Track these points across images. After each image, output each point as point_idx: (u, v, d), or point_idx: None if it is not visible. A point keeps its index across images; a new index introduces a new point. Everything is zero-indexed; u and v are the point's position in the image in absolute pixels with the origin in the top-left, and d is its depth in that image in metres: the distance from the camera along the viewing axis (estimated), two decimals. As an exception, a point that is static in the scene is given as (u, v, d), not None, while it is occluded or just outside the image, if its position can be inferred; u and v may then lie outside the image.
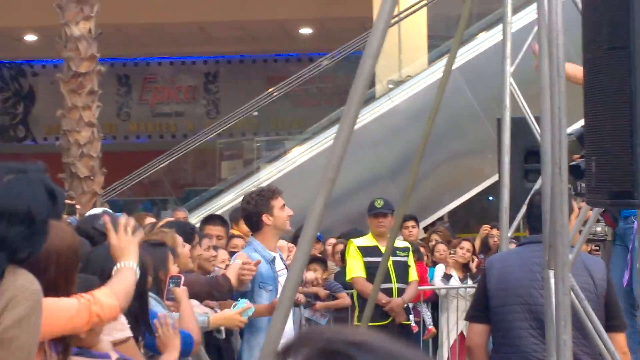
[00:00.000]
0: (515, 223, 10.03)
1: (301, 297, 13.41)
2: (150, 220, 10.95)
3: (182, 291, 7.66)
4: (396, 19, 19.05)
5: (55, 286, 4.94)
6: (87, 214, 8.72)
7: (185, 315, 7.69)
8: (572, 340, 5.80)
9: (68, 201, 8.72)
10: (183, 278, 7.77)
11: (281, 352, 1.09)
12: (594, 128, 5.38)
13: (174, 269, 7.77)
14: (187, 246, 8.53)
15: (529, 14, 11.47)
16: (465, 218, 18.03)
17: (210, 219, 11.95)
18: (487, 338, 6.97)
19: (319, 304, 13.89)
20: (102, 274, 5.96)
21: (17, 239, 4.54)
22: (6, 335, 4.47)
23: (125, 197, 18.66)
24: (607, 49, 5.18)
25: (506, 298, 6.62)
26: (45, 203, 4.65)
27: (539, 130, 6.79)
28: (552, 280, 5.69)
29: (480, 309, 6.96)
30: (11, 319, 4.47)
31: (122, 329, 6.08)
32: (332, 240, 15.21)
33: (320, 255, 14.47)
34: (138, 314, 6.36)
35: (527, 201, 8.18)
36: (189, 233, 8.97)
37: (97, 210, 8.64)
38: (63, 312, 4.92)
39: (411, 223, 14.60)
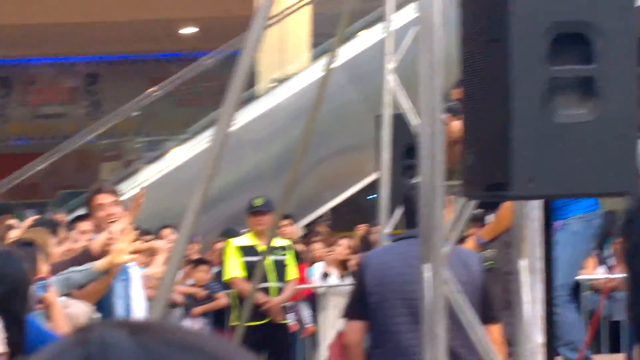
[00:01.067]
0: (393, 220, 10.05)
1: (178, 297, 13.39)
2: (11, 222, 10.88)
3: (50, 296, 7.57)
4: (278, 17, 19.08)
5: None
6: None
7: (57, 320, 7.61)
8: (449, 333, 5.83)
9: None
10: (50, 280, 7.70)
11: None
12: (472, 121, 5.41)
13: (44, 269, 7.68)
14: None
15: (411, 12, 11.47)
16: (347, 216, 18.02)
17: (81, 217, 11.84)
18: (363, 335, 6.98)
19: (195, 309, 13.90)
20: None
21: None
22: None
23: (5, 200, 18.48)
24: (485, 42, 5.21)
25: (385, 294, 6.64)
26: None
27: (416, 128, 6.82)
28: (427, 274, 5.71)
29: (358, 306, 6.99)
30: None
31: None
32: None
33: (201, 257, 14.48)
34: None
35: (404, 197, 8.24)
36: (53, 229, 8.93)
37: None
38: None
39: (285, 222, 14.55)
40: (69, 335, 1.00)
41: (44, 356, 0.98)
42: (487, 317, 6.83)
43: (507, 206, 7.19)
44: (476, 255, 7.37)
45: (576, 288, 14.05)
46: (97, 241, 8.76)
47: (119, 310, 9.49)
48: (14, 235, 10.12)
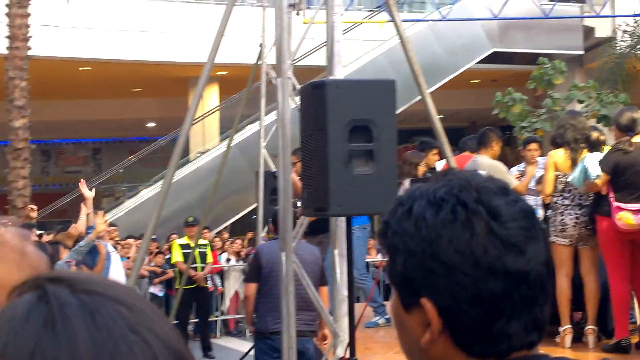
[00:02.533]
0: (265, 228, 9.99)
1: (145, 272, 13.20)
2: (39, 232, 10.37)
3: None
4: (201, 116, 19.04)
5: None
6: None
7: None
8: (296, 290, 5.80)
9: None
10: (68, 255, 7.48)
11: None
12: (306, 172, 5.39)
13: (65, 254, 7.46)
14: None
15: (274, 115, 11.49)
16: (241, 227, 17.93)
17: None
18: (255, 290, 6.91)
19: (156, 280, 13.73)
20: None
21: None
22: None
23: (45, 220, 18.09)
24: (313, 130, 5.21)
25: (272, 268, 6.54)
26: None
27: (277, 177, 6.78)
28: (283, 257, 5.68)
29: (254, 274, 6.90)
30: None
31: None
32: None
33: (159, 250, 14.29)
34: None
35: (272, 216, 8.20)
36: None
37: None
38: None
39: (205, 230, 14.44)
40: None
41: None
42: (322, 282, 6.86)
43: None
44: (313, 247, 7.33)
45: (367, 266, 14.14)
46: (80, 224, 8.44)
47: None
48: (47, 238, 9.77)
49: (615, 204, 7.42)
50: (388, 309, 9.38)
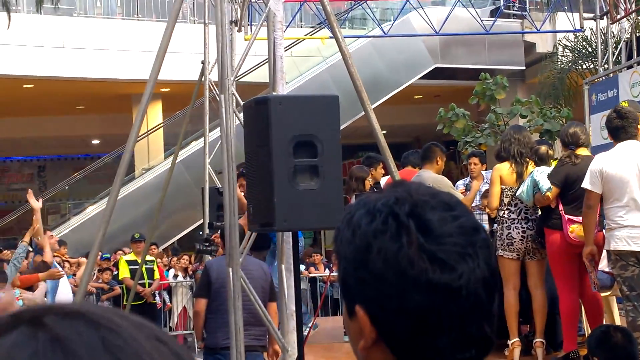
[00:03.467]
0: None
1: (92, 289, 13.04)
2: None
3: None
4: (145, 133, 18.90)
5: None
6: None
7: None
8: (244, 305, 5.76)
9: None
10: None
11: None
12: (251, 187, 5.37)
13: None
14: None
15: (219, 131, 11.45)
16: (188, 242, 17.81)
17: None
18: (205, 306, 6.84)
19: (103, 296, 13.56)
20: None
21: None
22: None
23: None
24: (257, 145, 5.19)
25: (222, 283, 6.48)
26: None
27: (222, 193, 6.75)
28: (230, 273, 5.64)
29: (204, 290, 6.82)
30: None
31: None
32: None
33: (107, 266, 14.12)
34: None
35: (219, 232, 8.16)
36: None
37: None
38: None
39: (153, 247, 14.33)
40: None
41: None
42: (271, 297, 6.82)
43: None
44: (262, 262, 7.31)
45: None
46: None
47: (50, 295, 9.17)
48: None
49: (567, 216, 7.51)
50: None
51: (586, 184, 6.80)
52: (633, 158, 6.70)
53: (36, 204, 8.21)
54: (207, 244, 9.16)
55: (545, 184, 7.54)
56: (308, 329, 9.62)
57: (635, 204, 6.65)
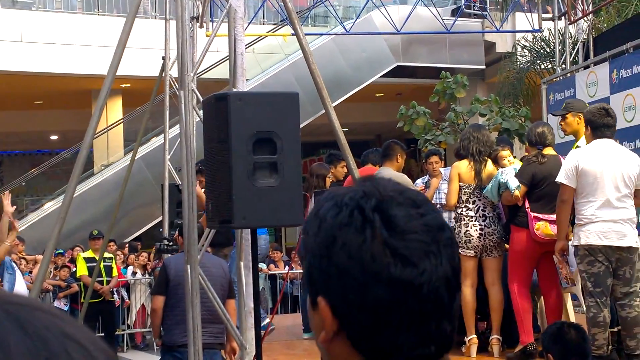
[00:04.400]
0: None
1: (49, 287, 12.91)
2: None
3: None
4: (104, 129, 18.78)
5: None
6: None
7: None
8: (202, 303, 5.75)
9: None
10: None
11: None
12: (210, 185, 5.35)
13: None
14: None
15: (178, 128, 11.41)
16: (147, 240, 17.72)
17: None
18: (163, 304, 6.78)
19: (60, 294, 13.43)
20: None
21: None
22: None
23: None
24: (217, 141, 5.17)
25: (179, 280, 6.44)
26: None
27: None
28: (188, 270, 5.63)
29: (162, 287, 6.77)
30: None
31: None
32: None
33: (64, 264, 13.99)
34: None
35: (178, 229, 8.12)
36: None
37: None
38: None
39: (111, 243, 14.23)
40: None
41: None
42: (229, 295, 6.80)
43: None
44: (221, 260, 7.29)
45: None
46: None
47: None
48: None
49: (533, 214, 7.61)
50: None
51: (561, 178, 6.92)
52: (610, 155, 6.85)
53: (9, 208, 8.15)
54: (169, 244, 9.12)
55: (513, 183, 7.65)
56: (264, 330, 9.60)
57: (607, 201, 6.76)
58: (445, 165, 10.07)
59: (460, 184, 8.11)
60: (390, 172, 8.21)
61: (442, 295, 1.25)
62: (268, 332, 9.20)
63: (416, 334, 1.24)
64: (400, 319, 1.23)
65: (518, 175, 7.73)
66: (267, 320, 9.53)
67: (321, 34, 20.16)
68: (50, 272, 13.12)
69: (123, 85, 19.45)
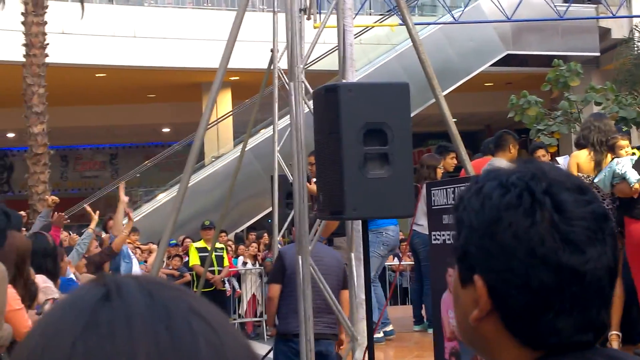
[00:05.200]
0: (282, 231, 9.97)
1: (163, 276, 13.19)
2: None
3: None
4: (215, 121, 19.05)
5: (16, 268, 4.77)
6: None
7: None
8: (313, 294, 5.76)
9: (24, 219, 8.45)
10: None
11: None
12: (321, 176, 5.35)
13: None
14: None
15: (287, 119, 11.48)
16: (256, 230, 17.93)
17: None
18: (279, 292, 6.75)
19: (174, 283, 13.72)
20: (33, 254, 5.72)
21: None
22: None
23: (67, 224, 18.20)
24: (327, 133, 5.17)
25: (295, 269, 6.44)
26: (3, 220, 4.49)
27: (292, 182, 6.75)
28: (299, 260, 5.65)
29: (278, 276, 6.72)
30: None
31: (55, 291, 5.80)
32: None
33: (177, 253, 14.28)
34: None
35: (288, 220, 8.18)
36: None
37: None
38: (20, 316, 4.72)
39: (223, 234, 14.46)
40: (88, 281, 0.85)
41: (72, 294, 0.83)
42: (343, 285, 6.74)
43: (330, 223, 7.02)
44: (334, 250, 7.22)
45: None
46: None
47: None
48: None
49: None
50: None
51: None
52: None
53: (124, 197, 8.55)
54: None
55: (633, 175, 7.37)
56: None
57: None
58: (559, 155, 9.82)
59: (579, 174, 7.88)
60: (503, 162, 8.05)
61: (604, 284, 1.26)
62: (378, 326, 9.18)
63: (577, 320, 1.24)
64: (561, 304, 1.23)
65: (637, 167, 7.45)
66: (390, 327, 9.46)
67: (429, 24, 19.99)
68: (164, 261, 13.41)
69: (232, 78, 19.72)
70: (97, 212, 9.46)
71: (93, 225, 8.67)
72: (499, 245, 1.24)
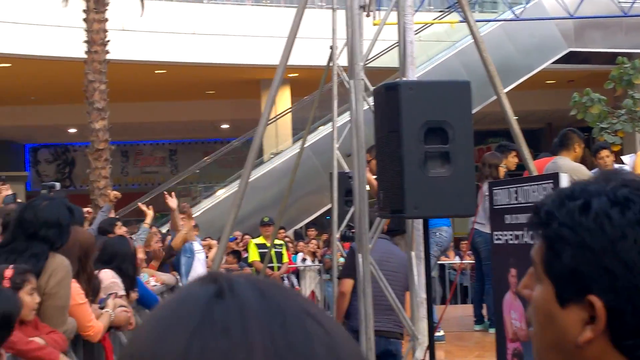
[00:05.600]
0: (340, 229, 9.94)
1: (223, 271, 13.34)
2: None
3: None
4: (274, 118, 19.11)
5: (80, 263, 4.86)
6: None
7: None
8: (374, 288, 5.75)
9: (87, 215, 8.55)
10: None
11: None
12: (382, 174, 5.34)
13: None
14: None
15: (347, 116, 11.45)
16: (316, 226, 17.97)
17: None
18: (352, 287, 6.54)
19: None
20: (115, 256, 5.84)
21: (53, 236, 4.46)
22: (52, 291, 4.42)
23: (125, 218, 18.41)
24: (388, 131, 5.16)
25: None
26: (67, 215, 4.58)
27: (351, 179, 6.74)
28: (359, 258, 5.64)
29: (351, 271, 6.38)
30: (55, 281, 4.42)
31: (121, 287, 5.89)
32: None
33: (236, 249, 14.37)
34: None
35: (347, 217, 8.17)
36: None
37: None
38: (84, 310, 4.82)
39: (282, 230, 14.52)
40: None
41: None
42: (407, 286, 6.65)
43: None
44: (398, 249, 7.11)
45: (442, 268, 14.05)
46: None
47: (184, 276, 9.44)
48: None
49: None
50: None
51: None
52: None
53: (173, 203, 8.69)
54: (354, 230, 9.14)
55: None
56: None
57: None
58: (622, 154, 9.64)
59: (644, 173, 7.73)
60: (567, 162, 7.93)
61: None
62: (439, 325, 9.12)
63: None
64: None
65: None
66: (442, 332, 9.37)
67: (490, 20, 19.81)
68: (223, 257, 13.52)
69: (291, 75, 19.76)
70: (151, 207, 9.57)
71: (148, 220, 8.81)
72: (624, 263, 1.21)
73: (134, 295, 6.19)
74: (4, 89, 21.91)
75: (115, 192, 9.01)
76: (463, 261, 13.85)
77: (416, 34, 15.78)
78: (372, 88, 6.05)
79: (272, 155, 19.49)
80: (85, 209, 8.44)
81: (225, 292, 0.79)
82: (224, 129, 27.66)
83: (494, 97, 6.48)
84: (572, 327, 1.24)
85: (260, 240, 13.21)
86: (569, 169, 7.56)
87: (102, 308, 5.27)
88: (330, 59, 9.86)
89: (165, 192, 8.92)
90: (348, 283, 6.59)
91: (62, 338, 4.40)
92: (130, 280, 6.16)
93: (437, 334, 9.33)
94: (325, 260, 13.96)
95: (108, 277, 5.62)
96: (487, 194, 5.99)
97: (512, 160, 9.50)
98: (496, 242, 5.10)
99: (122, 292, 5.85)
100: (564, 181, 4.39)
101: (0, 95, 22.71)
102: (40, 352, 4.19)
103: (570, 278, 1.25)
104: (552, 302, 1.27)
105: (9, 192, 8.09)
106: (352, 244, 7.43)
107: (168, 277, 8.60)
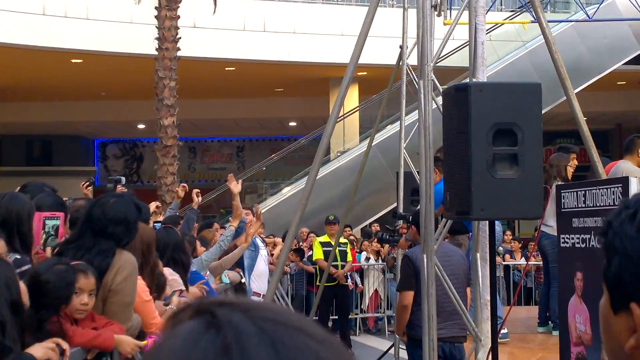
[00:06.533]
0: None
1: (287, 269, 13.40)
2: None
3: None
4: (342, 116, 19.14)
5: (143, 258, 4.91)
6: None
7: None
8: (437, 292, 5.75)
9: (156, 209, 8.50)
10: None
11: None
12: (449, 175, 5.35)
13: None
14: None
15: (415, 115, 11.44)
16: (379, 226, 17.94)
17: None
18: (412, 299, 6.42)
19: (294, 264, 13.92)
20: (166, 247, 5.91)
21: (120, 233, 4.51)
22: (119, 287, 4.44)
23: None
24: (456, 133, 5.17)
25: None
26: (134, 213, 4.63)
27: (417, 179, 6.75)
28: (425, 259, 5.65)
29: (410, 282, 6.39)
30: (121, 277, 4.44)
31: (181, 284, 5.96)
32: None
33: (299, 247, 14.45)
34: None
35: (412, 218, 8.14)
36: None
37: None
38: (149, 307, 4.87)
39: (348, 228, 14.58)
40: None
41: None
42: (468, 283, 6.66)
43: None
44: (459, 250, 7.10)
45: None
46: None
47: (247, 270, 9.48)
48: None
49: None
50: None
51: None
52: None
53: (236, 188, 8.09)
54: (392, 234, 9.16)
55: None
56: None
57: None
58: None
59: None
60: (629, 166, 7.84)
61: None
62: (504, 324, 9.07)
63: None
64: None
65: None
66: (506, 330, 9.32)
67: (562, 21, 19.58)
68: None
69: (359, 74, 19.78)
70: (198, 192, 9.16)
71: (235, 223, 8.43)
72: None
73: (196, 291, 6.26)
74: (75, 85, 22.34)
75: (183, 185, 8.99)
76: (528, 262, 13.74)
77: (487, 33, 15.67)
78: (440, 88, 6.06)
79: (338, 154, 19.54)
80: (154, 204, 8.49)
81: (232, 350, 0.71)
82: (291, 126, 27.78)
83: (564, 98, 6.44)
84: (622, 334, 1.26)
85: (324, 238, 13.27)
86: (628, 172, 7.49)
87: (166, 305, 5.34)
88: (400, 58, 9.87)
89: (231, 174, 8.50)
90: (409, 295, 6.46)
91: (120, 328, 4.39)
92: (184, 269, 6.22)
93: (502, 331, 9.31)
94: (388, 259, 13.98)
95: (166, 274, 5.70)
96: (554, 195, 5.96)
97: (572, 163, 9.42)
98: (563, 245, 5.08)
99: (183, 288, 5.95)
100: (634, 185, 4.36)
101: (71, 90, 23.16)
102: (96, 341, 4.22)
103: (618, 286, 1.27)
104: (608, 309, 1.29)
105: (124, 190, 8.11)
106: (405, 252, 7.30)
107: (233, 275, 8.66)
